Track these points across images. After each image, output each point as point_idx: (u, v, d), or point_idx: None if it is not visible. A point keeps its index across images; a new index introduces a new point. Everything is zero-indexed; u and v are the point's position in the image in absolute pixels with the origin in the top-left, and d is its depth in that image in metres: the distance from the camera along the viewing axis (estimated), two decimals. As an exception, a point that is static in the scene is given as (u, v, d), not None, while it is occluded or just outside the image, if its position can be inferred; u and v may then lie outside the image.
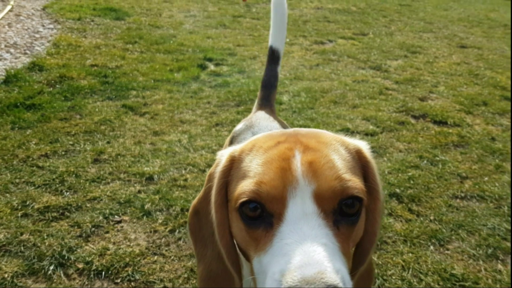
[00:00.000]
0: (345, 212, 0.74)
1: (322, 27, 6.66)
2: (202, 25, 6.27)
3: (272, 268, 0.67)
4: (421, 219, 2.28)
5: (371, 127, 3.29)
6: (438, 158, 2.90)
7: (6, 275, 1.70)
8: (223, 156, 0.83)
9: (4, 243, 1.87)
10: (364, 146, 0.87)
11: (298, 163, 0.73)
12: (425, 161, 2.85)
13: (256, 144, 0.80)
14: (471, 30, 7.20)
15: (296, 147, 0.76)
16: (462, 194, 2.53)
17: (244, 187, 0.72)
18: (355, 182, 0.74)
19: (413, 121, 3.49)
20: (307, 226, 0.68)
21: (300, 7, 8.39)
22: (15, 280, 1.69)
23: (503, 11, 9.46)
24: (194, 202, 0.86)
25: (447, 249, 2.08)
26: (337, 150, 0.80)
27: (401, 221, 2.25)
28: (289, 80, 4.23)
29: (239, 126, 1.56)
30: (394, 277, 1.87)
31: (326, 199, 0.71)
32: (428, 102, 3.89)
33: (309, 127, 3.18)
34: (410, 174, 2.67)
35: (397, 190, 2.49)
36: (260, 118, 1.54)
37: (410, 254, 2.01)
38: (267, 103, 1.69)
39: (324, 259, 0.64)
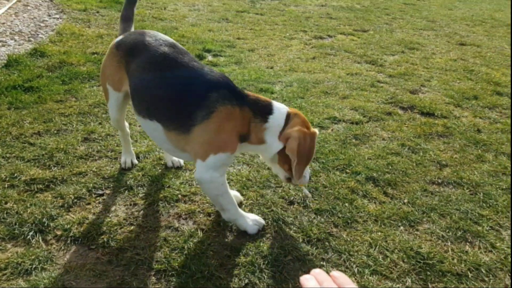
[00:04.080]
0: None
1: (324, 23, 6.68)
2: (205, 19, 6.34)
3: None
4: (395, 201, 2.31)
5: (357, 116, 3.33)
6: (420, 147, 2.92)
7: (-12, 238, 1.79)
8: (305, 135, 1.88)
9: (-11, 209, 1.96)
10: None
11: None
12: (406, 149, 2.87)
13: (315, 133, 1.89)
14: (473, 29, 7.15)
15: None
16: (439, 180, 2.55)
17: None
18: None
19: (400, 112, 3.51)
20: None
21: (304, 3, 8.41)
22: (-4, 243, 1.78)
23: (509, 11, 9.35)
24: (301, 138, 1.81)
25: (417, 230, 2.12)
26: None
27: (374, 202, 2.29)
28: (283, 72, 4.27)
29: (120, 38, 2.06)
30: (360, 253, 1.91)
31: None
32: (418, 95, 3.91)
33: (296, 115, 3.23)
34: (389, 160, 2.70)
35: (374, 175, 2.52)
36: (136, 31, 2.09)
37: (379, 233, 2.05)
38: (129, 27, 2.26)
39: None
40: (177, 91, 1.75)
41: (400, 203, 2.30)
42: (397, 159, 2.73)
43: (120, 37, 2.06)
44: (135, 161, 2.45)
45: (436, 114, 3.48)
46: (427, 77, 4.43)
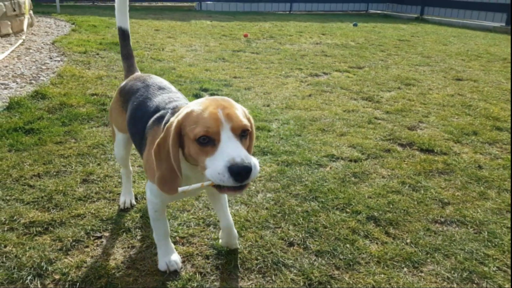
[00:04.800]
0: (242, 135, 1.48)
1: (319, 61, 6.92)
2: (202, 59, 6.57)
3: (221, 160, 1.38)
4: (397, 242, 2.33)
5: (356, 153, 3.40)
6: (420, 184, 2.97)
7: (-15, 284, 1.80)
8: (174, 121, 1.51)
9: (-13, 254, 1.97)
10: (247, 111, 1.62)
11: (221, 115, 1.44)
12: (407, 187, 2.92)
13: (193, 110, 1.49)
14: (469, 64, 7.40)
15: (218, 107, 1.47)
16: (442, 219, 2.58)
17: (199, 130, 1.42)
18: (247, 123, 1.50)
19: (399, 148, 3.59)
20: (231, 142, 1.41)
21: (299, 42, 8.73)
22: (-7, 289, 1.79)
23: (504, 46, 9.70)
24: (158, 141, 1.53)
25: (421, 271, 2.12)
26: (238, 109, 1.52)
27: (376, 243, 2.31)
28: (280, 109, 4.39)
29: (123, 83, 2.23)
30: (363, 296, 1.91)
31: (236, 130, 1.45)
32: (416, 131, 4.00)
33: (294, 153, 3.31)
34: (390, 198, 2.74)
35: (375, 214, 2.55)
36: (142, 75, 2.25)
37: (382, 275, 2.06)
38: (135, 69, 2.42)
39: (246, 153, 1.41)
40: (137, 121, 1.93)
41: (403, 243, 2.32)
42: (398, 198, 2.77)
43: (123, 83, 2.24)
44: (134, 202, 2.49)
45: (435, 150, 3.56)
46: (425, 113, 4.55)
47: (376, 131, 3.92)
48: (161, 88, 2.03)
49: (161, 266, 1.95)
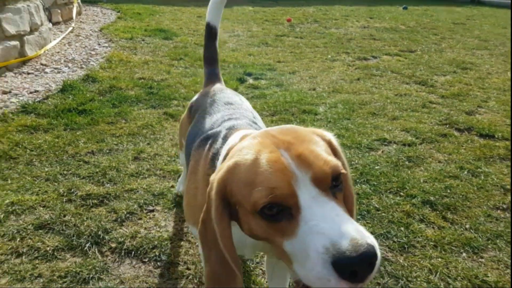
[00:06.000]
0: (334, 184, 0.90)
1: (367, 44, 6.74)
2: (245, 44, 6.60)
3: (312, 246, 0.78)
4: (455, 227, 2.26)
5: (409, 138, 3.30)
6: (480, 170, 2.84)
7: (48, 248, 1.93)
8: (214, 181, 0.95)
9: (48, 222, 2.12)
10: (329, 133, 1.04)
11: (288, 159, 0.86)
12: (465, 172, 2.81)
13: (239, 163, 0.92)
14: (532, 48, 6.94)
15: (278, 146, 0.90)
16: (504, 206, 2.46)
17: (258, 195, 0.85)
18: (337, 162, 0.90)
19: (456, 133, 3.45)
20: (319, 206, 0.83)
21: (345, 26, 8.55)
22: (55, 253, 1.92)
23: None
24: (202, 214, 0.99)
25: (481, 257, 2.05)
26: (313, 140, 0.94)
27: (433, 227, 2.25)
28: (326, 93, 4.34)
29: (195, 98, 1.87)
30: (419, 279, 1.87)
31: (322, 181, 0.86)
32: (475, 116, 3.82)
33: (343, 137, 3.26)
34: (447, 183, 2.65)
35: (432, 198, 2.48)
36: (216, 88, 1.82)
37: (440, 259, 2.00)
38: (216, 77, 1.97)
39: (352, 225, 0.80)
40: (190, 142, 1.56)
41: (462, 229, 2.24)
42: (456, 183, 2.67)
43: (195, 97, 1.92)
44: None
45: (496, 136, 3.39)
46: (484, 98, 4.33)
47: (431, 115, 3.79)
48: (227, 104, 1.63)
49: None
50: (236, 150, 0.97)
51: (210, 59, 2.00)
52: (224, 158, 1.07)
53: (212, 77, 1.97)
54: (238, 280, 0.95)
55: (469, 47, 6.88)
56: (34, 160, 2.75)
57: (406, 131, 3.43)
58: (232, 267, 0.93)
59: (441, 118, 3.73)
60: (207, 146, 1.32)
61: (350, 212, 0.98)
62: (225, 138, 1.25)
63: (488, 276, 1.90)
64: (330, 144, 1.00)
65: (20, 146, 2.91)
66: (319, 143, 0.94)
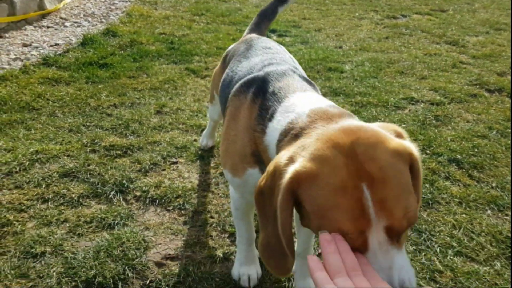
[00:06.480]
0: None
1: (397, 3, 6.47)
2: (269, 0, 6.41)
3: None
4: (481, 185, 2.22)
5: (438, 97, 3.21)
6: (509, 130, 2.76)
7: (73, 195, 2.00)
8: (288, 174, 0.87)
9: (73, 170, 2.17)
10: (410, 145, 0.93)
11: (369, 203, 0.81)
12: (494, 132, 2.73)
13: (317, 172, 0.85)
14: None
15: (362, 180, 0.82)
16: (534, 167, 2.40)
17: (327, 227, 0.84)
18: (415, 213, 0.85)
19: (486, 94, 3.34)
20: (382, 254, 0.84)
21: (374, -17, 8.18)
22: (80, 200, 1.98)
23: None
24: (260, 182, 0.97)
25: (506, 215, 2.02)
26: (398, 173, 0.86)
27: (458, 185, 2.22)
28: (353, 51, 4.22)
29: (230, 46, 1.84)
30: (442, 234, 1.87)
31: (395, 231, 0.84)
32: (506, 77, 3.68)
33: (370, 95, 3.20)
34: (475, 143, 2.59)
35: (458, 156, 2.43)
36: (252, 36, 1.80)
37: (464, 215, 1.99)
38: (258, 29, 1.97)
39: (410, 275, 0.86)
40: (227, 85, 1.52)
41: (488, 187, 2.21)
42: (484, 142, 2.60)
43: (229, 47, 1.89)
44: (213, 144, 2.48)
45: (529, 97, 3.26)
46: (518, 59, 4.14)
47: (461, 75, 3.66)
48: (265, 48, 1.58)
49: (234, 274, 1.61)
50: (316, 149, 0.88)
51: (264, 13, 2.00)
52: (287, 133, 1.02)
53: (253, 27, 1.96)
54: (289, 262, 0.95)
55: (504, 7, 6.52)
56: (56, 111, 2.80)
57: (435, 91, 3.33)
58: (286, 251, 0.93)
59: (471, 79, 3.60)
60: (250, 94, 1.26)
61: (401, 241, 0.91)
62: (276, 95, 1.19)
63: (513, 234, 1.88)
64: (411, 163, 0.91)
65: (43, 97, 2.95)
66: (402, 175, 0.86)
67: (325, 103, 1.10)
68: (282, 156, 0.93)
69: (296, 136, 0.98)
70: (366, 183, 0.82)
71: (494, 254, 1.77)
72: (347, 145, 0.86)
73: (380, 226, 0.82)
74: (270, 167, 0.95)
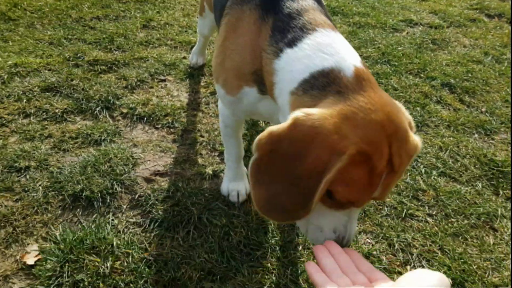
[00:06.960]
0: None
1: None
2: None
3: (329, 231, 1.02)
4: (471, 109, 2.23)
5: (437, 20, 3.10)
6: (505, 57, 2.72)
7: (57, 111, 1.94)
8: (341, 149, 0.86)
9: (55, 85, 2.09)
10: (419, 148, 0.99)
11: (380, 186, 0.92)
12: (489, 58, 2.69)
13: (372, 158, 0.88)
14: None
15: (387, 169, 0.91)
16: (526, 94, 2.40)
17: (340, 194, 0.93)
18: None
19: (486, 19, 3.23)
20: (355, 213, 1.03)
21: None
22: (64, 115, 1.93)
23: None
24: (279, 133, 0.90)
25: (492, 139, 2.06)
26: (406, 168, 0.98)
27: (449, 109, 2.22)
28: (352, -32, 3.97)
29: None
30: (428, 155, 1.91)
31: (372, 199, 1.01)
32: (508, 2, 3.54)
33: (368, 15, 3.06)
34: (469, 67, 2.56)
35: (452, 81, 2.41)
36: None
37: (451, 138, 2.02)
38: None
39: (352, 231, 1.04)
40: None
41: (477, 112, 2.22)
42: (479, 67, 2.57)
43: None
44: (204, 62, 2.40)
45: (529, 22, 3.17)
46: (523, -18, 3.96)
47: (462, -3, 3.51)
48: None
49: (223, 190, 1.63)
50: (370, 131, 0.88)
51: None
52: (324, 81, 0.95)
53: None
54: (301, 215, 0.95)
55: None
56: (35, 23, 2.63)
57: (434, 14, 3.21)
58: (301, 213, 0.94)
59: (472, 3, 3.46)
60: (258, 7, 1.13)
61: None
62: (294, 19, 1.07)
63: (496, 156, 1.93)
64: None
65: (19, 7, 2.76)
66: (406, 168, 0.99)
67: (359, 60, 1.01)
68: (328, 121, 0.87)
69: (339, 94, 0.92)
70: (387, 172, 0.91)
71: (477, 175, 1.82)
72: (390, 135, 0.90)
73: (371, 197, 0.95)
74: (305, 125, 0.87)
